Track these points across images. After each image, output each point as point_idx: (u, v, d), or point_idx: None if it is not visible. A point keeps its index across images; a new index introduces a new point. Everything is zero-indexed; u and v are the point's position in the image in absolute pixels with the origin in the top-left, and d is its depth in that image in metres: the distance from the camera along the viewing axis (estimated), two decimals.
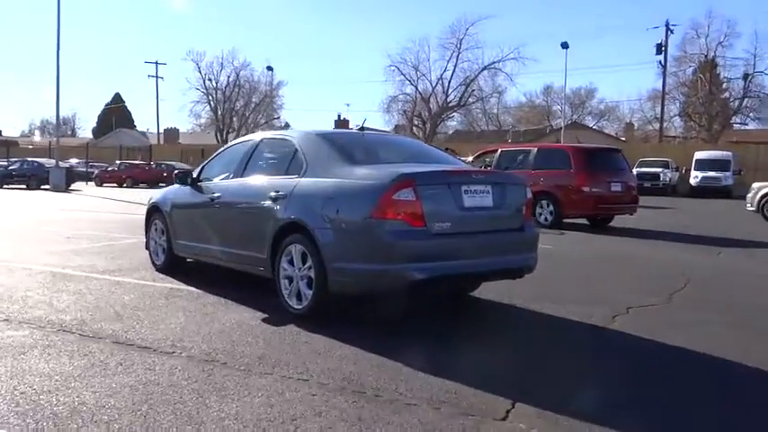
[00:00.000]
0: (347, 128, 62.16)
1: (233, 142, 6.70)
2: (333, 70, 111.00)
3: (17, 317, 5.00)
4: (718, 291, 6.77)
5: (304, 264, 4.93)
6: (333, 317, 4.90)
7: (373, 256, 4.50)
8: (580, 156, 13.16)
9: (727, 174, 31.14)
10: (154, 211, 7.30)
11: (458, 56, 50.96)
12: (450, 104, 52.56)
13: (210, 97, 66.05)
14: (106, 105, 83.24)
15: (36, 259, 7.96)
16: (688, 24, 46.98)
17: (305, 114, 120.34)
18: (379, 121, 77.43)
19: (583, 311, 5.42)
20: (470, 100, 52.73)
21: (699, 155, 32.64)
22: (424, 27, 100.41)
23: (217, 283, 6.23)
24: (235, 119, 67.04)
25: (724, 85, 48.02)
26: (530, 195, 5.28)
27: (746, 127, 49.24)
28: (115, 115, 78.86)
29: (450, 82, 51.74)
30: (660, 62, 43.26)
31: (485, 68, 50.93)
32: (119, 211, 17.08)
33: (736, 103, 47.38)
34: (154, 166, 38.77)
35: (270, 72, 52.27)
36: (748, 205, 16.94)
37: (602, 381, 3.85)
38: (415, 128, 53.07)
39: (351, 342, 4.32)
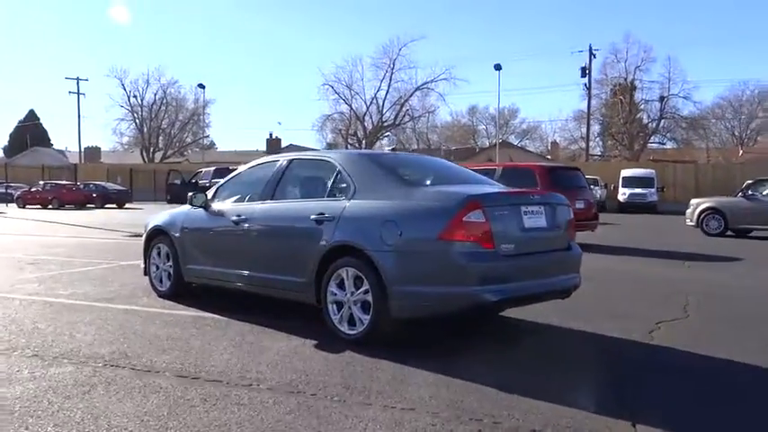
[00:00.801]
0: (279, 146, 61.82)
1: (252, 164, 6.46)
2: (263, 89, 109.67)
3: (47, 352, 4.60)
4: (722, 304, 7.07)
5: (358, 288, 4.81)
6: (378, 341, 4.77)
7: (444, 278, 4.44)
8: (546, 174, 13.53)
9: (652, 190, 32.95)
10: (156, 235, 6.94)
11: (391, 75, 51.81)
12: (386, 123, 53.09)
13: (135, 115, 63.92)
14: (20, 122, 78.78)
15: (13, 287, 7.39)
16: (608, 49, 49.35)
17: (235, 133, 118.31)
18: (312, 140, 77.13)
19: (620, 328, 5.53)
20: (405, 119, 53.43)
21: (625, 173, 34.36)
22: (357, 47, 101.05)
23: (235, 309, 5.96)
24: (161, 137, 65.07)
25: (642, 107, 50.87)
26: (572, 215, 5.38)
27: (664, 146, 52.32)
28: (29, 133, 74.68)
29: (384, 101, 52.41)
30: (585, 84, 45.34)
31: (418, 89, 51.98)
32: (62, 234, 16.12)
33: (654, 123, 50.31)
34: (81, 186, 36.97)
35: (202, 90, 51.02)
36: (688, 220, 17.87)
37: (692, 396, 3.92)
38: (350, 146, 53.19)
39: (421, 366, 4.23)
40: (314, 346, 4.82)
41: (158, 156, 63.66)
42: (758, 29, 73.35)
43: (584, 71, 44.90)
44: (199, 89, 53.32)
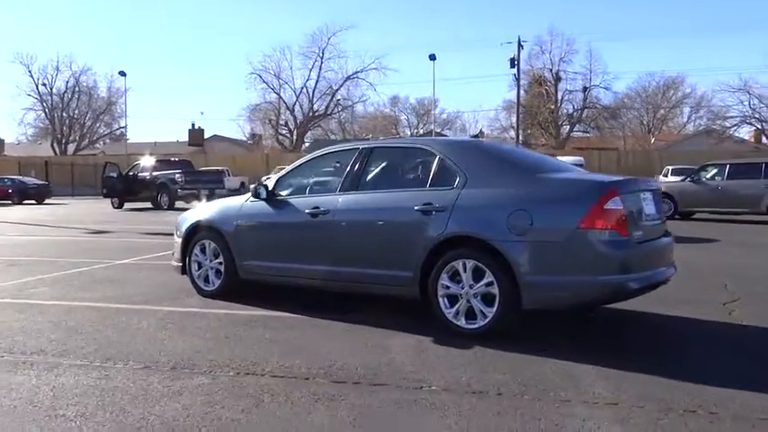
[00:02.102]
0: (202, 137, 59.68)
1: (320, 153, 6.08)
2: (184, 78, 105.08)
3: (161, 364, 4.13)
4: (754, 282, 7.34)
5: (478, 280, 4.63)
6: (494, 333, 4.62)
7: (583, 267, 4.34)
8: None
9: None
10: (197, 231, 6.44)
11: (321, 65, 51.10)
12: (317, 113, 52.39)
13: (45, 104, 59.91)
14: None
15: (22, 292, 6.71)
16: (534, 41, 50.86)
17: (153, 123, 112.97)
18: (236, 131, 75.10)
19: (697, 311, 5.64)
20: (336, 109, 52.96)
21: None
22: (286, 35, 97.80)
23: (304, 308, 5.63)
24: (74, 128, 61.36)
25: (567, 98, 52.90)
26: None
27: (587, 135, 54.61)
28: None
29: (314, 91, 51.64)
30: (515, 75, 46.50)
31: (348, 78, 51.56)
32: (12, 233, 14.80)
33: (578, 113, 52.42)
34: None
35: (123, 77, 48.45)
36: None
37: None
38: (280, 136, 52.19)
39: (567, 358, 4.13)
40: (433, 341, 4.60)
41: (71, 148, 60.02)
42: (665, 23, 77.85)
43: (513, 62, 45.98)
44: (119, 76, 50.64)
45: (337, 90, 51.70)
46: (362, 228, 5.31)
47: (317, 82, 51.23)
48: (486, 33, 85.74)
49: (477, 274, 4.64)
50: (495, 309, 4.56)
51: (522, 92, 48.75)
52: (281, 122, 52.01)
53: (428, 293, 4.89)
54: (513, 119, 49.29)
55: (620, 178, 4.76)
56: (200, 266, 6.43)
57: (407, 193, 5.13)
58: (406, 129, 71.82)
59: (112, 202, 25.78)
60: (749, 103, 46.72)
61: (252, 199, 6.05)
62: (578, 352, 4.29)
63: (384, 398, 3.48)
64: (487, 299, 4.61)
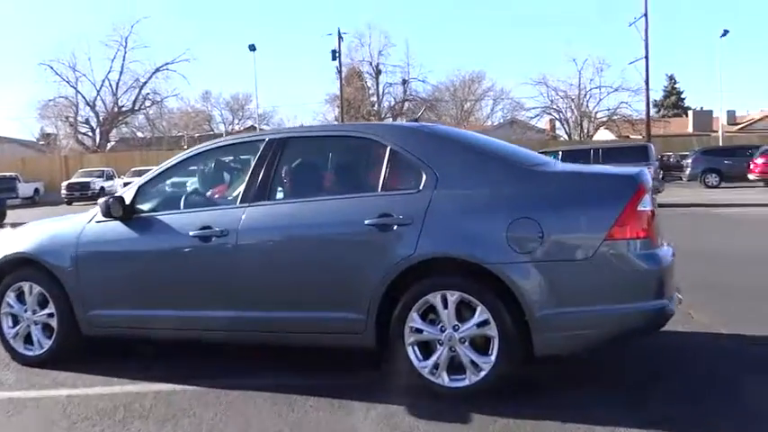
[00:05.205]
0: None
1: (203, 148, 4.25)
2: None
3: None
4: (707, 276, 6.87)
5: (464, 319, 3.32)
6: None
7: (618, 292, 3.20)
8: None
9: None
10: (11, 268, 4.38)
11: (125, 55, 46.02)
12: (123, 109, 47.23)
13: None
14: None
15: None
16: (353, 34, 50.39)
17: None
18: (23, 131, 66.00)
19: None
20: (146, 104, 48.23)
21: None
22: (80, 25, 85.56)
23: (195, 373, 3.95)
24: None
25: (387, 90, 53.27)
26: None
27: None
28: None
29: (118, 84, 46.41)
30: (337, 67, 45.74)
31: (158, 70, 47.09)
32: None
33: (399, 105, 53.06)
34: None
35: None
36: None
37: None
38: (80, 135, 46.35)
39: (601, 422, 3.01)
40: (411, 413, 3.21)
41: None
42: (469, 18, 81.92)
43: (335, 54, 45.22)
44: None
45: (145, 83, 46.95)
46: (281, 253, 3.71)
47: (120, 74, 46.09)
48: (300, 26, 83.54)
49: (465, 311, 3.33)
50: (492, 357, 3.28)
51: (344, 85, 48.19)
52: (81, 120, 46.11)
53: (389, 341, 3.49)
54: (337, 112, 48.56)
55: (640, 169, 3.68)
56: (16, 322, 4.38)
57: (349, 201, 3.64)
58: (221, 125, 68.15)
59: None
60: (547, 95, 50.62)
61: (99, 218, 4.15)
62: (596, 405, 3.18)
63: None
64: (479, 344, 3.32)
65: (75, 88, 45.46)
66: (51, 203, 28.65)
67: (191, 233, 3.83)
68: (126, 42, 45.69)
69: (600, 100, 48.54)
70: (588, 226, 3.23)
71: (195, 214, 3.96)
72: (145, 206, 4.15)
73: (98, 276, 4.13)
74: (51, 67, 44.29)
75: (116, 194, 4.13)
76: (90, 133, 46.79)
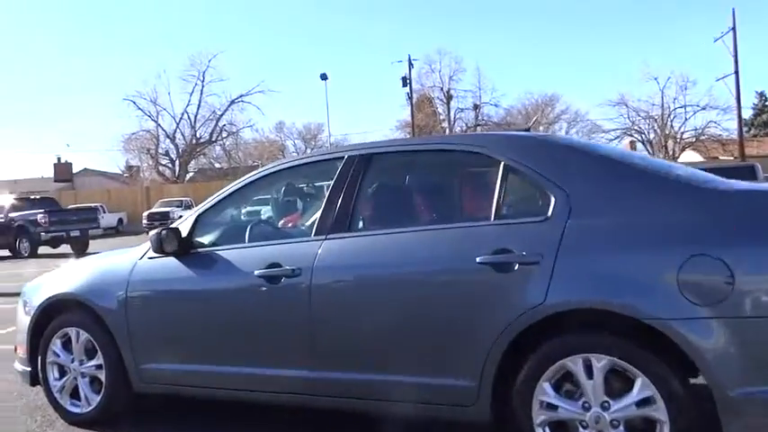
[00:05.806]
0: (71, 171, 53.66)
1: (268, 170, 3.56)
2: (44, 109, 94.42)
3: None
4: None
5: (618, 395, 2.44)
6: None
7: None
8: None
9: None
10: (58, 312, 3.82)
11: (202, 89, 47.37)
12: (201, 141, 48.50)
13: None
14: None
15: None
16: (423, 60, 50.09)
17: (9, 159, 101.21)
18: (108, 163, 69.21)
19: None
20: (223, 135, 49.36)
21: None
22: (160, 62, 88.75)
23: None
24: None
25: (458, 116, 52.55)
26: None
27: None
28: None
29: (196, 116, 47.76)
30: (408, 94, 45.39)
31: (233, 102, 48.19)
32: None
33: (471, 131, 52.20)
34: None
35: None
36: None
37: None
38: (161, 166, 47.81)
39: None
40: None
41: None
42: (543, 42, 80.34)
43: (405, 81, 44.94)
44: None
45: (221, 116, 48.13)
46: (363, 300, 2.94)
47: (198, 107, 47.48)
48: (370, 53, 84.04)
49: (617, 383, 2.45)
50: None
51: (414, 111, 47.81)
52: (161, 152, 47.59)
53: (508, 416, 2.64)
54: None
55: None
56: (62, 373, 3.79)
57: (453, 233, 2.84)
58: (294, 155, 69.09)
59: None
60: (627, 115, 48.49)
61: (152, 254, 3.52)
62: None
63: None
64: (636, 428, 2.43)
65: (156, 122, 47.13)
66: (133, 233, 29.26)
67: (256, 272, 3.13)
68: (203, 77, 47.14)
69: (686, 119, 46.09)
70: None
71: (262, 249, 3.25)
72: (204, 239, 3.49)
73: (148, 324, 3.49)
74: (134, 103, 46.14)
75: (171, 225, 3.49)
76: (170, 165, 48.21)
